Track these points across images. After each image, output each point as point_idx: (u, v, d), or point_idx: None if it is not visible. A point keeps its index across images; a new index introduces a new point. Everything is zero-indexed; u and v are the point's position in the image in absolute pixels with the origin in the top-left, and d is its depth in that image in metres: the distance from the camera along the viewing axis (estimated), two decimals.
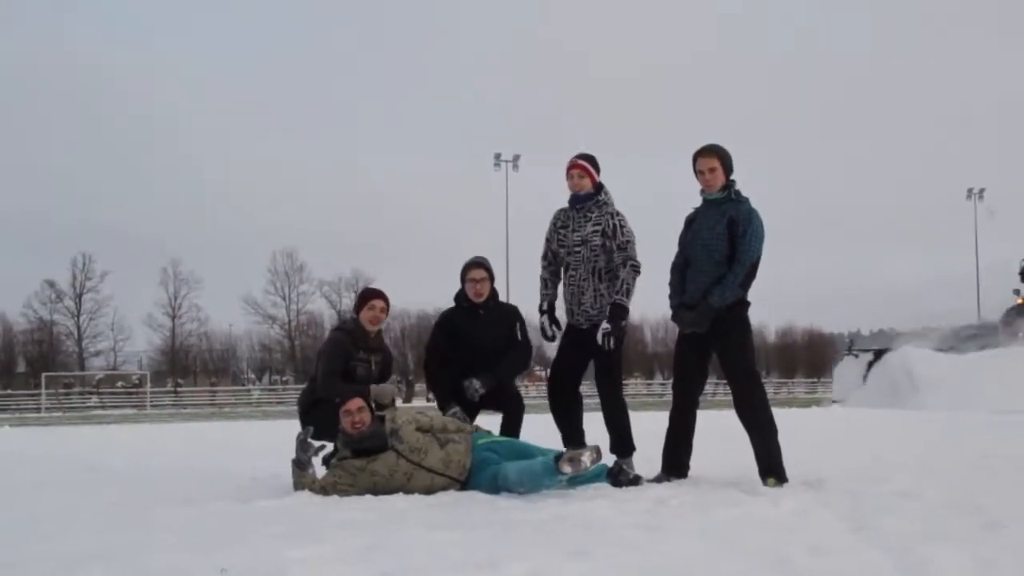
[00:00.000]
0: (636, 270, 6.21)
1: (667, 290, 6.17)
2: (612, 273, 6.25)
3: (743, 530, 4.14)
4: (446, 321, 6.58)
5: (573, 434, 6.36)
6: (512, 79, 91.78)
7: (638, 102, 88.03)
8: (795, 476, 5.77)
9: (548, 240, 6.52)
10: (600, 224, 6.24)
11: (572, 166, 6.29)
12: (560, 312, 6.53)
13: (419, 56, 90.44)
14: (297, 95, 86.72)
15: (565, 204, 6.44)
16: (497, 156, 50.00)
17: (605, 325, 6.14)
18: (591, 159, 6.33)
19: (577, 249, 6.31)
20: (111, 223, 73.36)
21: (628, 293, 6.17)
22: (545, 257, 6.56)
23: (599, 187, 6.33)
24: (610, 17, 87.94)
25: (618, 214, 6.28)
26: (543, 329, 6.48)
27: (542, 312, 6.49)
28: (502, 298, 6.69)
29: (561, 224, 6.42)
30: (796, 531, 4.07)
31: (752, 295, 5.97)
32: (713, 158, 5.92)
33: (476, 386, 6.29)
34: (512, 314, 6.59)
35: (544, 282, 6.54)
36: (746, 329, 5.95)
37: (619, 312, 6.16)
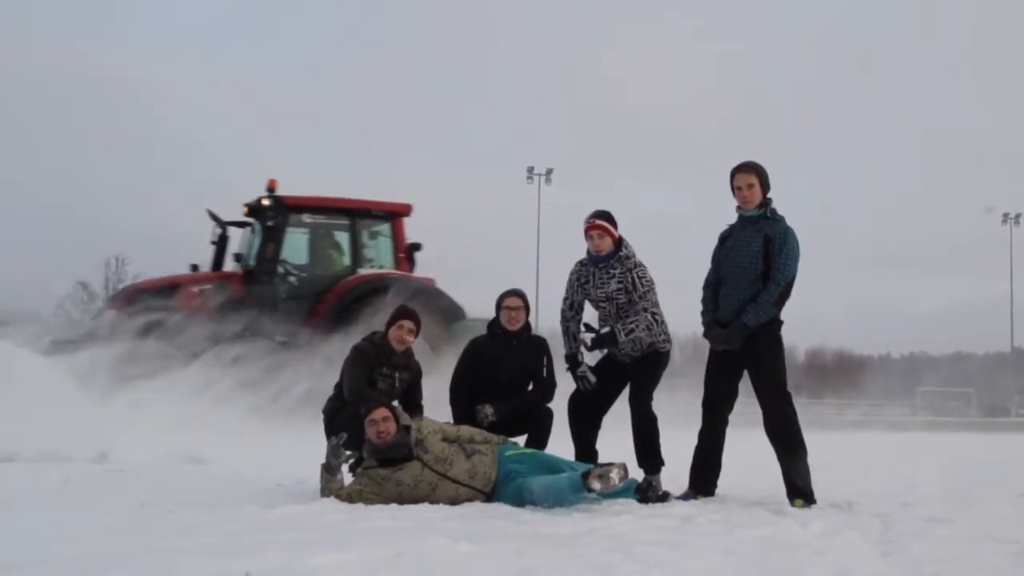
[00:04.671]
0: (649, 321, 6.14)
1: (699, 307, 6.14)
2: None
3: (769, 551, 4.10)
4: (471, 353, 6.60)
5: (587, 452, 6.34)
6: (547, 93, 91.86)
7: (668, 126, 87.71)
8: (824, 498, 5.72)
9: (571, 293, 6.49)
10: (623, 281, 6.21)
11: (591, 227, 6.24)
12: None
13: (454, 69, 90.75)
14: (330, 103, 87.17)
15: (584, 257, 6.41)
16: (530, 170, 49.91)
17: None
18: (608, 216, 6.28)
19: (603, 305, 6.33)
20: (144, 225, 73.72)
21: (630, 333, 6.12)
22: (571, 308, 6.51)
23: (619, 242, 6.29)
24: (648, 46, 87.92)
25: (637, 265, 6.25)
26: (584, 380, 6.38)
27: (577, 364, 6.41)
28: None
29: (584, 280, 6.40)
30: (823, 553, 4.02)
31: (784, 315, 5.92)
32: (751, 174, 5.90)
33: (488, 412, 6.30)
34: (541, 347, 6.57)
35: (573, 336, 6.46)
36: (779, 348, 5.90)
37: (605, 339, 6.16)
